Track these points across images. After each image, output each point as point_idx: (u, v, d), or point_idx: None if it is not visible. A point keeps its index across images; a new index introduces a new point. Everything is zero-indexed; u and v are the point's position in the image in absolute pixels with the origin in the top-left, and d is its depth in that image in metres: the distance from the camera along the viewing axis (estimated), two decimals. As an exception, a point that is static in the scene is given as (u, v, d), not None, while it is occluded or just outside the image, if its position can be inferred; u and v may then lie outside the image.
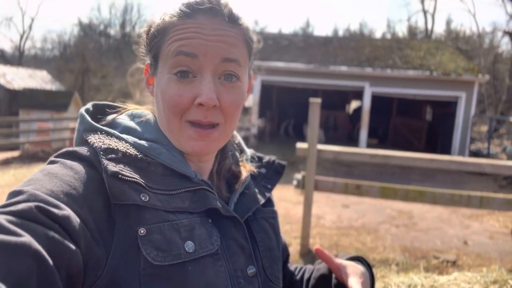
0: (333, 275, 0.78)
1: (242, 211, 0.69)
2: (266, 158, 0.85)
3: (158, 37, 0.64)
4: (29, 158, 9.28)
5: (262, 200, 0.75)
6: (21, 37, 32.56)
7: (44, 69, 23.43)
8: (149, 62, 0.68)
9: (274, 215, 0.79)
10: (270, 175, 0.82)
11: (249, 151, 0.83)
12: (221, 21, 0.62)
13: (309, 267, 0.92)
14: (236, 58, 0.63)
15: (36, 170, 0.56)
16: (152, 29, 0.66)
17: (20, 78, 18.36)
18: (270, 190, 0.79)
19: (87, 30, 37.00)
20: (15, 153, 9.98)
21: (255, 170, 0.79)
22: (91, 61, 24.01)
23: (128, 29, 37.60)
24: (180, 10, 0.62)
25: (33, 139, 10.80)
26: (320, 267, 0.87)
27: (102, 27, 37.97)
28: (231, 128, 0.66)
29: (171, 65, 0.61)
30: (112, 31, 38.65)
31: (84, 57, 22.79)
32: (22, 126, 11.98)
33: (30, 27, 40.92)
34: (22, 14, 44.18)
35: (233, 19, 0.63)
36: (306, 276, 0.90)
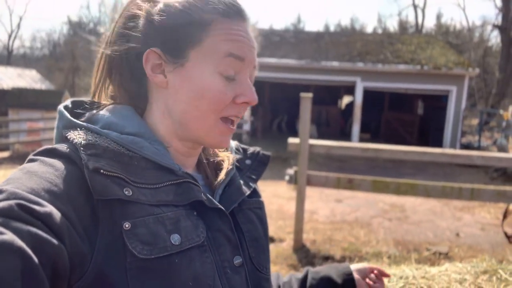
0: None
1: (227, 203, 0.69)
2: (251, 149, 0.85)
3: (196, 27, 0.61)
4: (20, 158, 9.18)
5: (247, 191, 0.75)
6: (9, 36, 32.16)
7: (34, 68, 23.17)
8: (158, 48, 0.62)
9: (260, 206, 0.79)
10: (255, 166, 0.82)
11: (233, 143, 0.83)
12: (252, 29, 0.67)
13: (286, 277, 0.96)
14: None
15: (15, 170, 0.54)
16: (176, 12, 0.61)
17: (9, 78, 18.13)
18: (255, 180, 0.79)
19: (77, 29, 36.64)
20: (5, 154, 9.86)
21: (238, 163, 0.80)
22: (81, 59, 23.80)
23: (118, 26, 37.31)
24: (223, 8, 0.62)
25: (23, 139, 10.67)
26: (317, 270, 0.92)
27: (91, 25, 37.65)
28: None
29: (219, 64, 0.62)
30: (101, 29, 38.33)
31: (73, 55, 22.60)
32: (12, 126, 11.83)
33: (19, 26, 40.50)
34: (9, 13, 43.48)
35: (252, 27, 0.68)
36: (292, 278, 0.93)
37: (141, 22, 0.63)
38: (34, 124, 11.48)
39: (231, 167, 0.75)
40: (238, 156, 0.80)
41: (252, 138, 12.51)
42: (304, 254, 3.84)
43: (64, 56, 24.86)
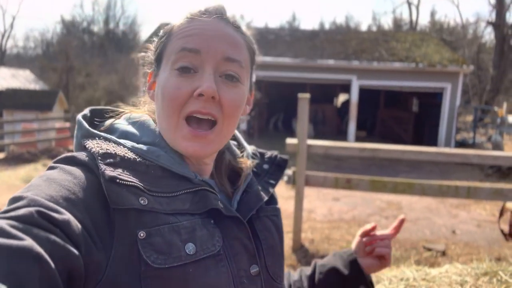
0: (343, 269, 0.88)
1: (245, 210, 0.69)
2: (268, 153, 0.85)
3: (163, 38, 0.67)
4: (15, 159, 9.12)
5: (265, 197, 0.74)
6: (2, 36, 31.86)
7: (27, 68, 22.98)
8: (152, 68, 0.70)
9: (276, 213, 0.79)
10: (273, 171, 0.81)
11: (249, 148, 0.82)
12: (226, 24, 0.65)
13: (293, 271, 0.95)
14: (238, 59, 0.64)
15: (35, 176, 0.56)
16: (159, 36, 0.69)
17: (3, 78, 17.97)
18: (273, 185, 0.79)
19: (70, 28, 36.37)
20: (0, 155, 9.78)
21: (255, 168, 0.79)
22: (75, 59, 23.64)
23: (112, 25, 37.06)
24: (186, 11, 0.66)
25: (18, 140, 10.60)
26: (324, 263, 0.91)
27: (85, 24, 37.37)
28: (228, 129, 0.66)
29: (173, 61, 0.63)
30: (95, 28, 38.09)
31: (67, 55, 22.43)
32: (6, 128, 11.75)
33: (12, 25, 40.08)
34: (2, 13, 43.20)
35: (236, 25, 0.67)
36: (301, 276, 0.92)
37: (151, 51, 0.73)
38: (29, 125, 11.39)
39: (248, 172, 0.75)
40: (255, 161, 0.80)
41: (248, 137, 12.51)
42: (303, 254, 3.86)
43: (57, 56, 24.63)
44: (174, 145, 0.64)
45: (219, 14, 0.65)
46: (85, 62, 25.79)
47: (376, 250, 0.89)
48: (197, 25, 0.63)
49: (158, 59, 0.67)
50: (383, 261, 0.90)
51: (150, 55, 0.72)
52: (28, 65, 26.49)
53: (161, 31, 0.69)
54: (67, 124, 11.29)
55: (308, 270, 0.93)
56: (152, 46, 0.72)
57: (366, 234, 0.92)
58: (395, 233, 0.92)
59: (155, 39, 0.70)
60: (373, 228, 0.91)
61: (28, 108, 13.28)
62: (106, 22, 37.28)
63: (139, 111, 0.73)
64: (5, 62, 29.62)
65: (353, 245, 0.92)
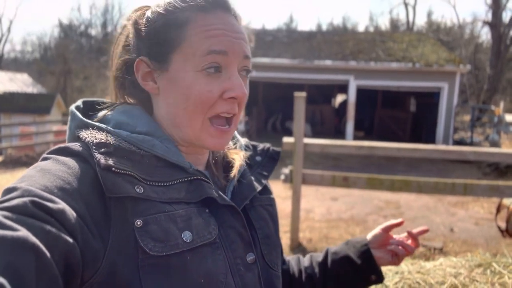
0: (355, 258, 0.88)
1: (239, 199, 0.70)
2: (261, 146, 0.86)
3: (173, 30, 0.62)
4: (13, 163, 9.10)
5: (258, 188, 0.75)
6: (0, 40, 31.82)
7: (25, 72, 22.96)
8: (145, 56, 0.64)
9: (271, 202, 0.79)
10: (266, 162, 0.82)
11: (243, 140, 0.83)
12: (233, 18, 0.64)
13: (301, 256, 0.95)
14: (250, 55, 0.66)
15: (28, 169, 0.55)
16: (155, 18, 0.63)
17: (0, 82, 17.96)
18: (266, 177, 0.79)
19: (68, 31, 36.34)
20: (-2, 159, 9.76)
21: (248, 160, 0.79)
22: (73, 62, 23.63)
23: (109, 28, 37.05)
24: (198, 3, 0.62)
25: (16, 143, 10.58)
26: (336, 250, 0.90)
27: (83, 27, 37.35)
28: (238, 119, 0.68)
29: (200, 63, 0.61)
30: (93, 32, 38.08)
31: (65, 58, 22.42)
32: (4, 131, 11.70)
33: (9, 29, 39.92)
34: (0, 17, 43.10)
35: (238, 17, 0.67)
36: (312, 262, 0.92)
37: (130, 33, 0.66)
38: (27, 128, 11.37)
39: (242, 163, 0.75)
40: (248, 153, 0.80)
41: (246, 138, 12.51)
42: (301, 253, 3.85)
43: (55, 60, 24.61)
44: (200, 142, 0.65)
45: (227, 7, 0.64)
46: (83, 65, 25.78)
47: (393, 247, 0.88)
48: (220, 21, 0.62)
49: (164, 52, 0.62)
50: (395, 258, 0.89)
51: (133, 37, 0.66)
52: (25, 69, 26.48)
53: (161, 16, 0.63)
54: (65, 127, 11.24)
55: (319, 257, 0.92)
56: (130, 29, 0.66)
57: (390, 228, 0.90)
58: (416, 245, 0.90)
59: (145, 21, 0.64)
60: (399, 224, 0.90)
61: (26, 111, 13.28)
62: (104, 25, 37.29)
63: (132, 103, 0.72)
64: (3, 67, 29.57)
65: (369, 236, 0.90)
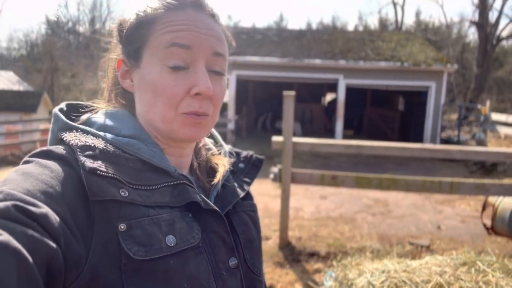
0: None
1: (222, 205, 0.70)
2: (244, 153, 0.86)
3: (143, 28, 0.63)
4: (-2, 162, 8.93)
5: (241, 194, 0.76)
6: (-16, 36, 31.18)
7: (11, 69, 22.56)
8: (124, 56, 0.67)
9: (253, 208, 0.80)
10: (249, 170, 0.83)
11: (227, 147, 0.84)
12: (207, 16, 0.65)
13: None
14: (223, 53, 0.65)
15: (9, 171, 0.54)
16: (132, 21, 0.65)
17: (-15, 80, 17.59)
18: (249, 184, 0.80)
19: (55, 28, 35.78)
20: (-17, 158, 9.58)
21: (232, 166, 0.80)
22: (60, 60, 23.27)
23: (98, 25, 36.60)
24: (168, 2, 0.63)
25: (2, 142, 10.38)
26: None
27: (70, 24, 36.82)
28: (214, 120, 0.68)
29: (164, 56, 0.61)
30: (81, 29, 37.56)
31: (52, 56, 22.06)
32: (-11, 130, 11.49)
33: (-6, 26, 39.13)
34: (-16, 13, 42.19)
35: (214, 16, 0.67)
36: None
37: (116, 34, 0.69)
38: (12, 126, 11.18)
39: (226, 168, 0.75)
40: (232, 160, 0.81)
41: (236, 137, 12.49)
42: (290, 251, 3.87)
43: (42, 57, 24.20)
44: (172, 133, 0.64)
45: (198, 5, 0.65)
46: (70, 63, 25.39)
47: None
48: (184, 18, 0.62)
49: (137, 49, 0.65)
50: None
51: (117, 40, 0.69)
52: (11, 66, 26.00)
53: (135, 18, 0.66)
54: (52, 126, 11.07)
55: None
56: (115, 30, 0.69)
57: None
58: None
59: (126, 25, 0.67)
60: None
61: (11, 109, 13.02)
62: (92, 22, 36.79)
63: (117, 106, 0.72)
64: (-12, 64, 29.00)
65: None
